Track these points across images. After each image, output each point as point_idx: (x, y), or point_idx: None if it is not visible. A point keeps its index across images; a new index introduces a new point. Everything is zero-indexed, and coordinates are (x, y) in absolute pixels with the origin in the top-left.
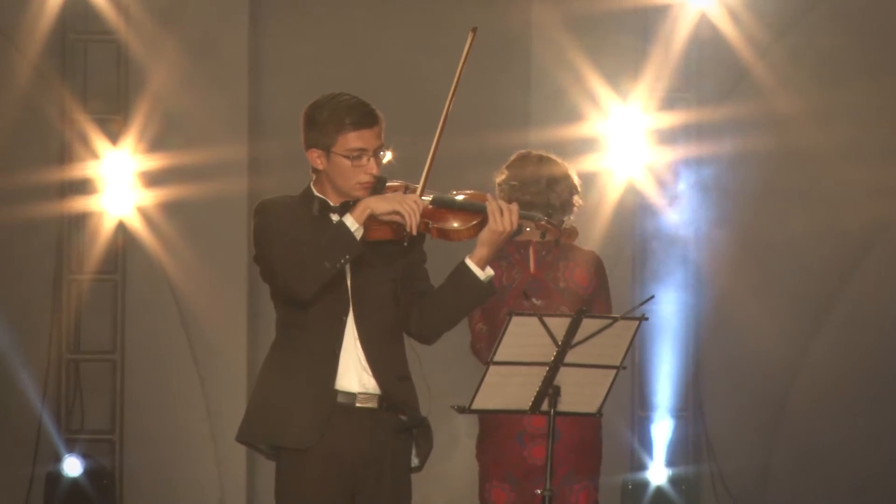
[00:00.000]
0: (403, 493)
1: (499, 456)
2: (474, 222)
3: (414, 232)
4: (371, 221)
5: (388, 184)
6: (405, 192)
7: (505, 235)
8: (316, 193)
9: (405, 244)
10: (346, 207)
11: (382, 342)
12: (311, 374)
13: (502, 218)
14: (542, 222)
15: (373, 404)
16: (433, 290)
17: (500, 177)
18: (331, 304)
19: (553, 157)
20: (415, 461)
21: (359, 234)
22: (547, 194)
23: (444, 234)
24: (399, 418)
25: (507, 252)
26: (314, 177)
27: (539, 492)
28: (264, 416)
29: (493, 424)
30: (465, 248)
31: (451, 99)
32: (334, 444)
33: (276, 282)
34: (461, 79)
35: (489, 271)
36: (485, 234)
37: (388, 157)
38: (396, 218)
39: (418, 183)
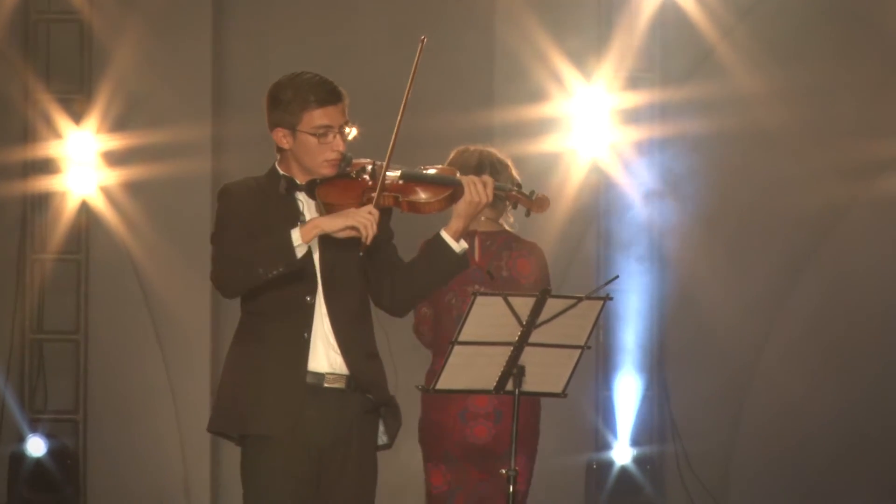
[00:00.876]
0: (369, 472)
1: (439, 434)
2: (445, 194)
3: (369, 242)
4: (358, 195)
5: (353, 160)
6: (372, 168)
7: (481, 207)
8: (281, 172)
9: (360, 255)
10: (312, 185)
11: (352, 321)
12: (280, 359)
13: (478, 189)
14: (513, 192)
15: (341, 385)
16: (404, 263)
17: None
18: (297, 285)
19: (492, 149)
20: (384, 439)
21: (301, 252)
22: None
23: (415, 206)
24: (366, 398)
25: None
26: (279, 156)
27: (503, 472)
28: (235, 406)
29: (435, 405)
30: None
31: (403, 113)
32: (302, 427)
33: (211, 271)
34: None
35: (463, 244)
36: (461, 206)
37: (353, 133)
38: (352, 233)
39: (383, 160)
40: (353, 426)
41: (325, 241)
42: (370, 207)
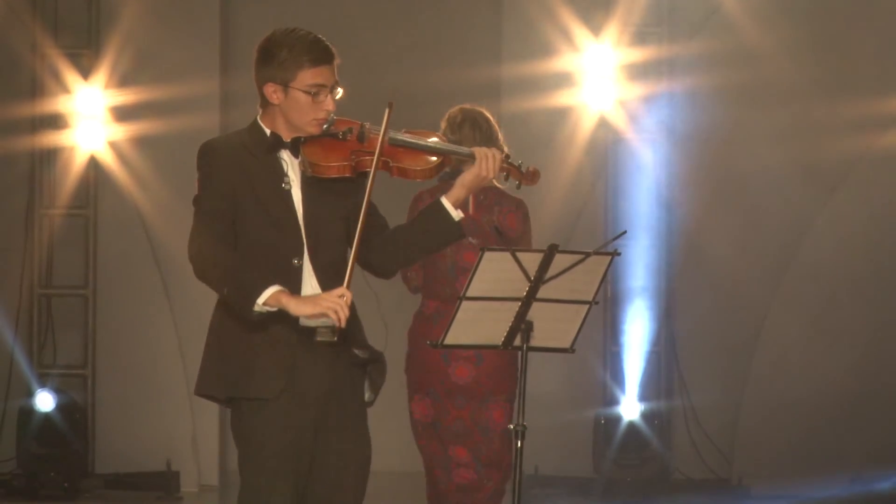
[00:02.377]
0: (363, 426)
1: (424, 371)
2: (435, 163)
3: (342, 325)
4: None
5: (336, 119)
6: (360, 130)
7: (487, 181)
8: (264, 128)
9: (335, 339)
10: (296, 143)
11: (335, 279)
12: (271, 318)
13: (488, 164)
14: (505, 165)
15: (331, 338)
16: (386, 221)
17: (440, 132)
18: (284, 245)
19: (481, 108)
20: (368, 395)
21: (258, 310)
22: (486, 144)
23: (404, 172)
24: (353, 352)
25: (445, 190)
26: (261, 111)
27: (511, 427)
28: (224, 368)
29: (420, 344)
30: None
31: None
32: (297, 381)
33: (190, 245)
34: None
35: (459, 213)
36: (468, 177)
37: (339, 93)
38: (322, 318)
39: (362, 121)
40: (345, 380)
41: (308, 198)
42: (342, 290)
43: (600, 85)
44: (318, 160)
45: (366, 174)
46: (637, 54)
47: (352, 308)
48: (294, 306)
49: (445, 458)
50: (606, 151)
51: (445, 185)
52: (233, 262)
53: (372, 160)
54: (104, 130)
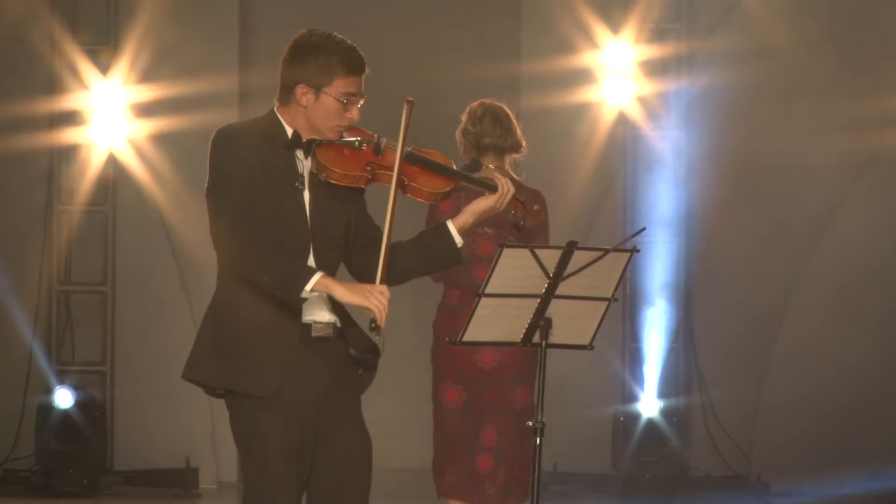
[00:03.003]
0: (361, 419)
1: (451, 361)
2: (448, 188)
3: (383, 325)
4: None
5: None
6: (377, 142)
7: (495, 212)
8: (284, 123)
9: (376, 336)
10: (311, 144)
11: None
12: (271, 312)
13: (506, 197)
14: (516, 201)
15: (328, 333)
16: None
17: (461, 125)
18: (292, 242)
19: (500, 104)
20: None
21: (301, 295)
22: (505, 137)
23: (416, 192)
24: (348, 350)
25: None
26: (278, 104)
27: (530, 423)
28: (220, 357)
29: (444, 333)
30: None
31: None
32: (295, 380)
33: (218, 230)
34: None
35: (461, 240)
36: (482, 206)
37: (361, 103)
38: (363, 309)
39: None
40: (342, 374)
41: (316, 201)
42: (383, 288)
43: (619, 81)
44: (333, 166)
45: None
46: (656, 51)
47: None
48: (341, 293)
49: (474, 441)
50: (625, 147)
51: (461, 194)
52: (268, 247)
53: (388, 174)
54: (123, 127)
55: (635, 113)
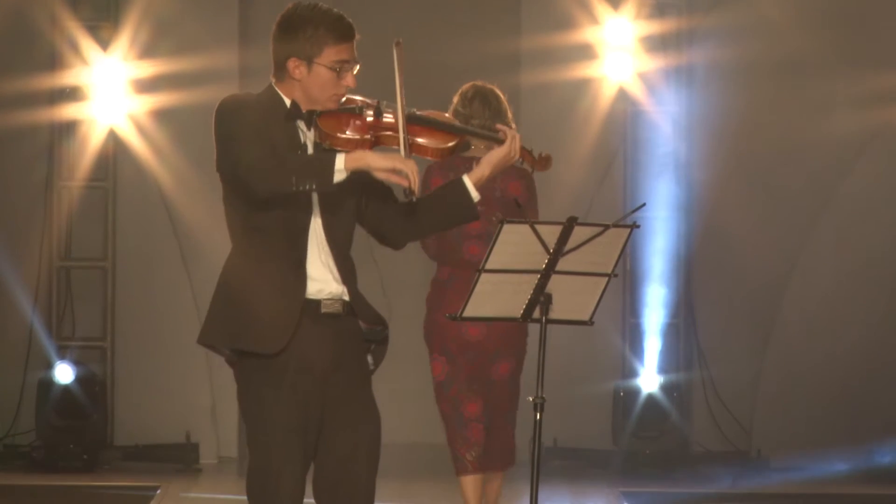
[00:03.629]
0: (370, 399)
1: (439, 331)
2: (452, 143)
3: (417, 194)
4: (364, 129)
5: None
6: (377, 107)
7: (510, 162)
8: (283, 95)
9: (413, 199)
10: (311, 115)
11: (346, 251)
12: (278, 279)
13: (515, 145)
14: (523, 150)
15: (338, 309)
16: (395, 196)
17: (452, 106)
18: (295, 212)
19: (492, 86)
20: (370, 365)
21: (338, 178)
22: (494, 120)
23: (421, 149)
24: (359, 325)
25: (454, 164)
26: (275, 80)
27: (530, 399)
28: (229, 319)
29: (435, 307)
30: None
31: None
32: (303, 348)
33: (237, 168)
34: None
35: (478, 194)
36: (496, 156)
37: (356, 69)
38: (397, 179)
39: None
40: (351, 352)
41: None
42: (410, 161)
43: (620, 57)
44: (335, 132)
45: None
46: (656, 26)
47: (356, 282)
48: (373, 159)
49: (458, 414)
50: (626, 124)
51: (454, 160)
52: (285, 156)
53: (391, 136)
54: (123, 103)
55: (636, 89)
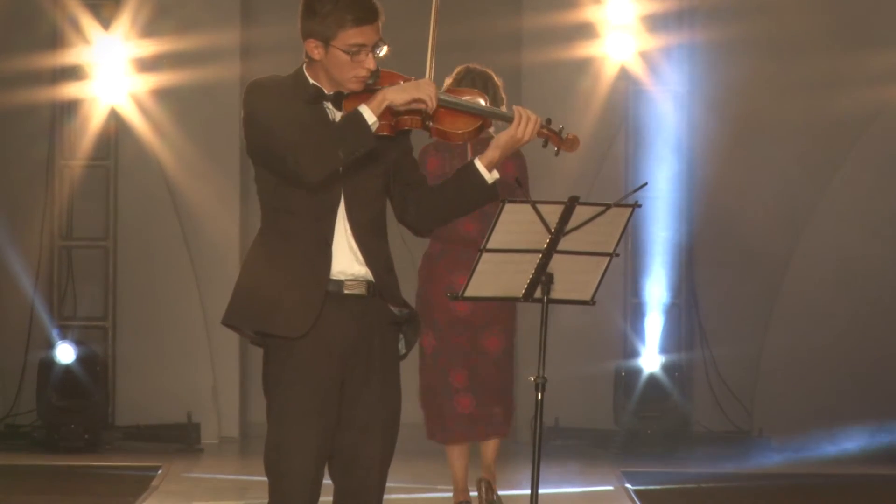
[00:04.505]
0: (393, 381)
1: (429, 305)
2: (475, 126)
3: (433, 109)
4: (386, 114)
5: (382, 71)
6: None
7: (523, 143)
8: (310, 80)
9: (428, 124)
10: (339, 97)
11: (372, 234)
12: (302, 261)
13: (526, 127)
14: (544, 130)
15: (361, 290)
16: (425, 179)
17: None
18: (322, 194)
19: (487, 70)
20: (403, 349)
21: (374, 127)
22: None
23: (443, 134)
24: (388, 308)
25: (448, 145)
26: (307, 61)
27: (532, 379)
28: (253, 301)
29: (425, 282)
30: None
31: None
32: (323, 330)
33: (284, 163)
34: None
35: (495, 174)
36: (503, 138)
37: (383, 51)
38: (419, 105)
39: (407, 74)
40: (374, 335)
41: None
42: (427, 80)
43: (621, 36)
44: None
45: (406, 132)
46: (658, 5)
47: (388, 265)
48: (394, 94)
49: (446, 384)
50: (627, 103)
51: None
52: (319, 130)
53: (414, 119)
54: (125, 81)
55: (637, 68)
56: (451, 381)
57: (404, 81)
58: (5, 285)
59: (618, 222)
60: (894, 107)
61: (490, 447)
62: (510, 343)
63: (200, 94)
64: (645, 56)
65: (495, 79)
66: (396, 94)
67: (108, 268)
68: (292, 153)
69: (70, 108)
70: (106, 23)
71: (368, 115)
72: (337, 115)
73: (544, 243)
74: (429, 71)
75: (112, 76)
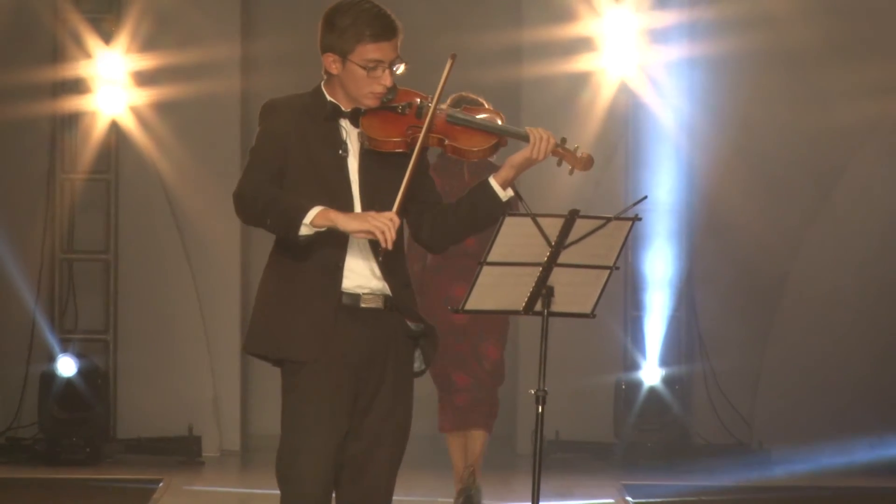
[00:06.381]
0: (405, 394)
1: (432, 315)
2: (491, 144)
3: (391, 248)
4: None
5: (399, 89)
6: (420, 105)
7: (535, 163)
8: (328, 97)
9: (380, 259)
10: (356, 114)
11: (390, 250)
12: (314, 283)
13: (541, 146)
14: (559, 149)
15: (378, 304)
16: (441, 197)
17: None
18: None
19: (479, 98)
20: (420, 366)
21: (304, 231)
22: None
23: (459, 152)
24: (404, 322)
25: (447, 165)
26: (326, 77)
27: (532, 392)
28: (268, 328)
29: (424, 291)
30: None
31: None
32: (339, 343)
33: (236, 188)
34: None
35: (509, 192)
36: (518, 158)
37: (401, 69)
38: (368, 237)
39: (426, 92)
40: (389, 347)
41: (365, 168)
42: (392, 215)
43: (621, 50)
44: (375, 134)
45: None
46: (658, 18)
47: (406, 280)
48: (343, 221)
49: (449, 381)
50: (627, 116)
51: (445, 161)
52: (276, 192)
53: (430, 136)
54: (125, 95)
55: (637, 82)
56: (455, 380)
57: (419, 97)
58: (6, 298)
59: (618, 235)
60: (893, 118)
61: (476, 444)
62: (504, 349)
63: (201, 108)
64: (645, 69)
65: (486, 106)
66: (348, 222)
67: (108, 280)
68: (239, 187)
69: (71, 122)
70: (107, 36)
71: (308, 219)
72: (352, 134)
73: (545, 256)
74: (397, 202)
75: (113, 89)
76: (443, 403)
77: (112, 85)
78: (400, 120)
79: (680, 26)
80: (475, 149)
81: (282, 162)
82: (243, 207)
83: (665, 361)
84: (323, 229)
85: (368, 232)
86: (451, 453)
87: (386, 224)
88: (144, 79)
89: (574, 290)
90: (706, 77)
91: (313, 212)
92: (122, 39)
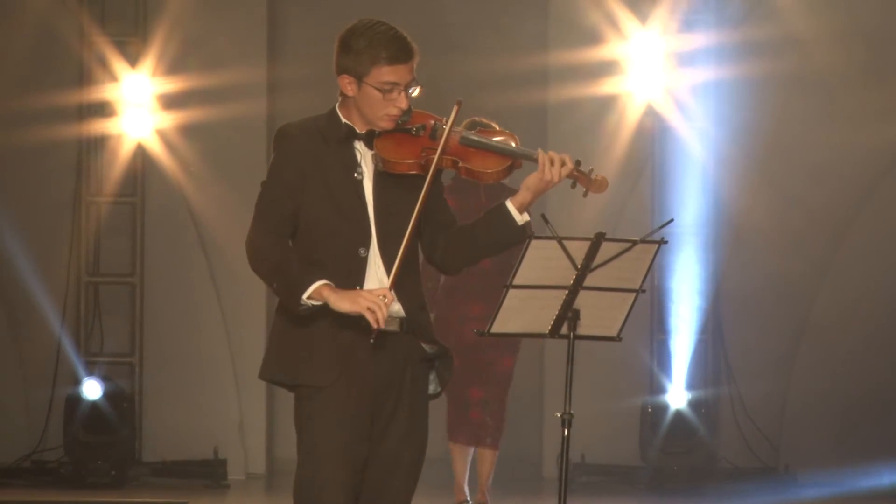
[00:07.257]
0: (420, 417)
1: (442, 330)
2: (504, 165)
3: (382, 326)
4: (417, 153)
5: (414, 111)
6: (434, 127)
7: (551, 185)
8: (343, 119)
9: (371, 340)
10: (371, 136)
11: (405, 270)
12: (331, 311)
13: (553, 169)
14: (574, 172)
15: (394, 327)
16: (455, 219)
17: None
18: (351, 234)
19: (489, 121)
20: (434, 388)
21: (304, 304)
22: None
23: (473, 174)
24: (420, 345)
25: (462, 187)
26: (340, 99)
27: (558, 415)
28: (285, 355)
29: (440, 307)
30: None
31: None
32: (355, 367)
33: (248, 236)
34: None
35: (525, 216)
36: (532, 181)
37: (416, 91)
38: (357, 315)
39: (441, 115)
40: (405, 371)
41: (380, 190)
42: (385, 291)
43: (647, 73)
44: (389, 156)
45: (437, 172)
46: (684, 42)
47: (421, 303)
48: (334, 301)
49: (463, 396)
50: (653, 139)
51: (460, 182)
52: (282, 256)
53: (444, 158)
54: (151, 118)
55: (663, 105)
56: (470, 396)
57: (434, 119)
58: (32, 321)
59: (644, 258)
60: None
61: (486, 465)
62: (516, 357)
63: (227, 131)
64: (671, 92)
65: (498, 129)
66: (340, 301)
67: (134, 303)
68: (249, 238)
69: (97, 145)
70: (133, 59)
71: (306, 294)
72: (367, 156)
73: (571, 279)
74: (392, 275)
75: (139, 113)
76: (457, 416)
77: (138, 108)
78: (414, 142)
79: (706, 49)
80: (489, 171)
81: (295, 198)
82: (252, 263)
83: (691, 384)
84: (319, 304)
85: (358, 313)
86: (454, 463)
87: (377, 304)
88: (170, 102)
89: (600, 314)
90: (732, 100)
91: (311, 288)
92: (149, 62)
